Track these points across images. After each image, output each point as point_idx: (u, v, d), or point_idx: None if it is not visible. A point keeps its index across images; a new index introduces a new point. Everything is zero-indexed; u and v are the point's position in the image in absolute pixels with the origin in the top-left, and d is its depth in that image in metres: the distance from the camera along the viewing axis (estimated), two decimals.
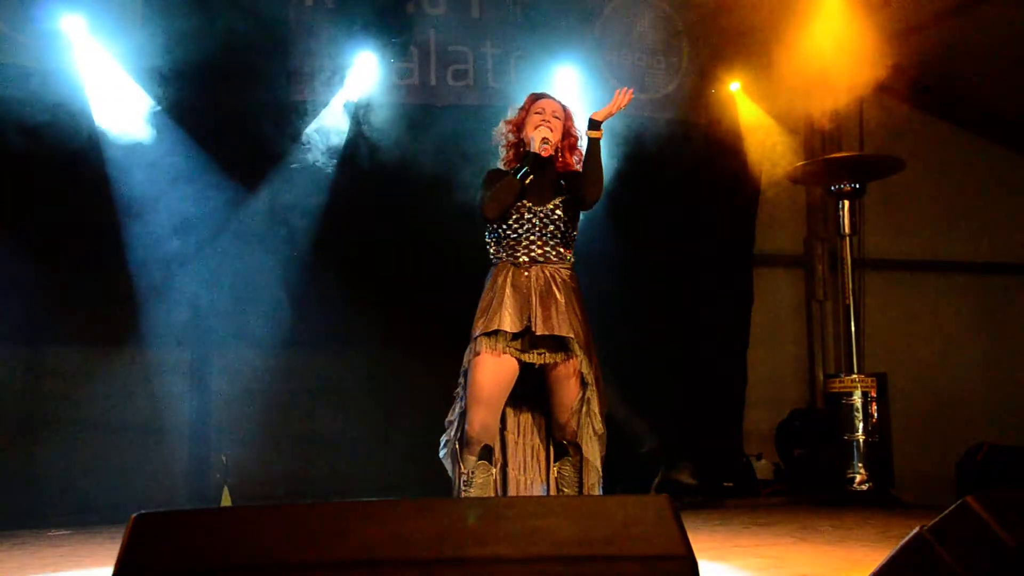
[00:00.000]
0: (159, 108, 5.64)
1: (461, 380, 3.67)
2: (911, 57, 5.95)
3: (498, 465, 3.74)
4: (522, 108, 3.92)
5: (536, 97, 3.91)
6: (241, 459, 5.83)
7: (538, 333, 3.53)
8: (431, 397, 4.46)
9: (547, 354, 3.63)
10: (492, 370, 3.56)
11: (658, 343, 6.63)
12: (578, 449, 3.65)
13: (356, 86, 6.06)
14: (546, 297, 3.59)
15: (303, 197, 5.88)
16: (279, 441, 5.96)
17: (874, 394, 6.28)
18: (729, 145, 6.93)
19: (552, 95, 3.94)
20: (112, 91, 5.57)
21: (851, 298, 6.62)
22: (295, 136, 5.89)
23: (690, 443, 6.48)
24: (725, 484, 6.51)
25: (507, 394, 3.65)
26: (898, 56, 5.87)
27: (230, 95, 5.73)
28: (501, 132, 3.94)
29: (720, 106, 7.02)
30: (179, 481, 5.95)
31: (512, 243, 3.69)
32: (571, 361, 3.60)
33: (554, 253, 3.69)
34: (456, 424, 3.68)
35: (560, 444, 3.77)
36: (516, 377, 3.64)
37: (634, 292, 6.59)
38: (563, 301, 3.60)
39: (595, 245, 6.44)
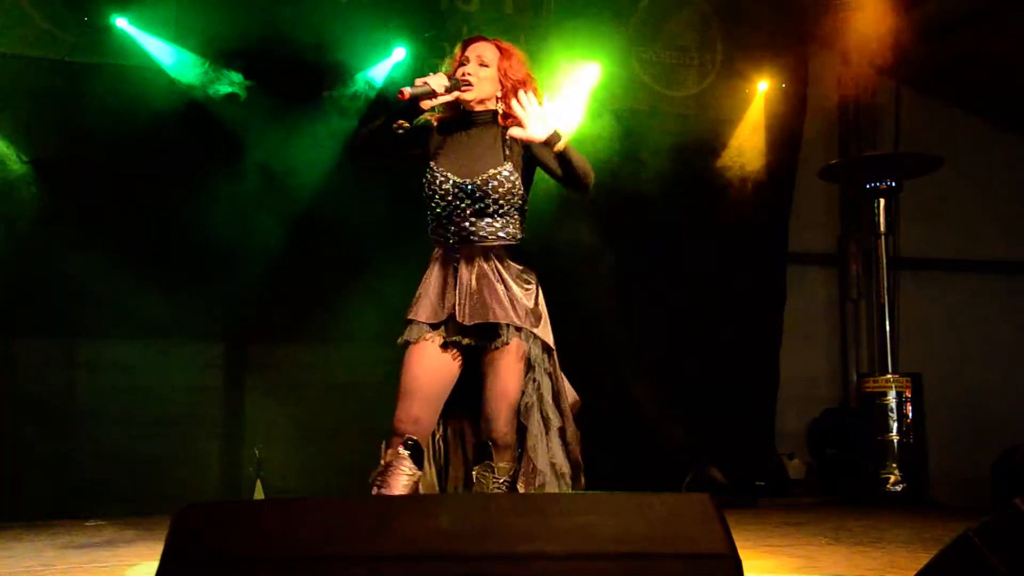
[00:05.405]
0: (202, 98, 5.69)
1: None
2: (950, 53, 5.88)
3: (434, 470, 3.29)
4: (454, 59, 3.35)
5: (466, 44, 3.33)
6: (274, 453, 5.87)
7: (463, 322, 3.12)
8: None
9: (479, 340, 3.15)
10: (421, 357, 3.15)
11: (690, 341, 6.60)
12: (501, 450, 3.13)
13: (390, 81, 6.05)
14: (477, 282, 3.15)
15: (340, 198, 5.88)
16: (312, 435, 5.99)
17: (909, 394, 6.22)
18: (761, 142, 6.88)
19: (486, 38, 3.35)
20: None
21: (886, 297, 6.56)
22: (332, 133, 5.89)
23: (722, 442, 6.45)
24: (757, 483, 6.48)
25: (445, 388, 3.20)
26: (937, 51, 5.81)
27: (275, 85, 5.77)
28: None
29: (753, 103, 6.97)
30: (212, 474, 5.99)
31: (441, 220, 3.23)
32: (506, 346, 3.10)
33: (490, 230, 3.17)
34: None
35: (483, 445, 3.19)
36: (457, 370, 3.20)
37: (666, 290, 6.58)
38: (495, 285, 3.14)
39: (627, 240, 6.48)
